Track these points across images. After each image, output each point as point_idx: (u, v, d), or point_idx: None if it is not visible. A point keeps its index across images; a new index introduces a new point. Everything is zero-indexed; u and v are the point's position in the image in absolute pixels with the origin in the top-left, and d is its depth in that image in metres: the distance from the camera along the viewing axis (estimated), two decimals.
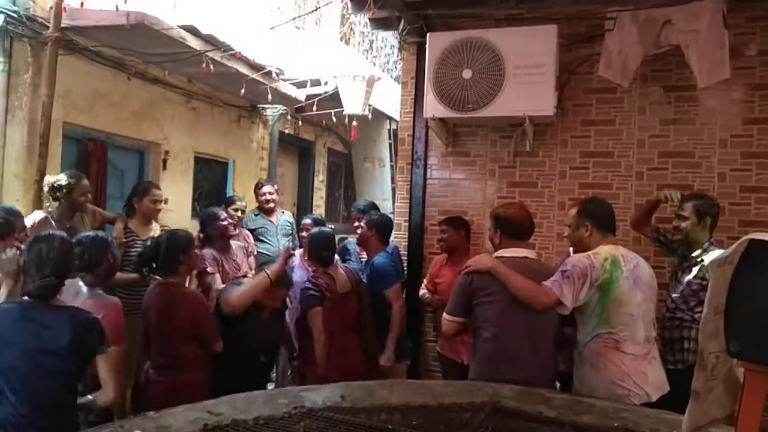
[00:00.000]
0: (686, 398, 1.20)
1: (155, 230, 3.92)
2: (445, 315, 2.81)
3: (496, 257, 2.74)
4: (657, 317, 2.85)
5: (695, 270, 3.11)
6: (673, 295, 3.20)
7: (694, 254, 3.16)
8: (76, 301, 2.49)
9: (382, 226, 3.99)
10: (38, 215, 3.53)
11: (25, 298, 2.26)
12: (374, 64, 9.12)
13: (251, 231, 4.94)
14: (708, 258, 3.04)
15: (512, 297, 2.59)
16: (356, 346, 3.43)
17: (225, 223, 4.06)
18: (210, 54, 4.81)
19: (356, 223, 4.24)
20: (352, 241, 4.41)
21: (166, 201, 5.53)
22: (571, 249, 3.05)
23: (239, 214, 4.79)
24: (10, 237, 2.86)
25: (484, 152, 4.27)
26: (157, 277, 3.08)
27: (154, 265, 3.02)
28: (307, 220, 4.48)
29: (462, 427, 1.86)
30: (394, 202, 4.82)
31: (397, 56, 8.73)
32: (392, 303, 3.71)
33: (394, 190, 7.95)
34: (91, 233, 2.87)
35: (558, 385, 2.94)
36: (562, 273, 2.54)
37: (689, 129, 3.81)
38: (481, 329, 2.69)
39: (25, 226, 3.10)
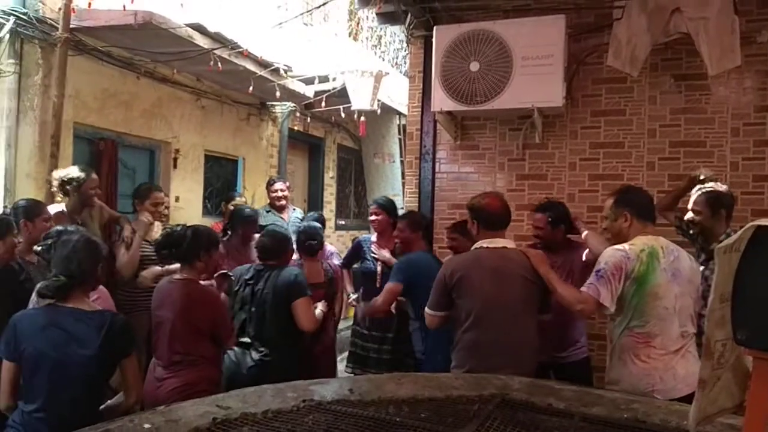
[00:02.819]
0: None
1: (158, 230, 3.93)
2: (426, 309, 2.82)
3: (475, 248, 2.76)
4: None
5: (711, 263, 3.06)
6: None
7: (711, 247, 3.05)
8: None
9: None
10: (55, 208, 3.59)
11: (46, 300, 2.27)
12: (383, 60, 9.10)
13: (262, 227, 4.96)
14: None
15: (493, 290, 2.62)
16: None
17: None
18: (218, 52, 4.83)
19: (373, 217, 4.21)
20: (366, 237, 4.40)
21: (177, 199, 5.60)
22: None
23: None
24: (38, 219, 3.08)
25: (492, 145, 4.25)
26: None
27: (173, 251, 2.99)
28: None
29: (470, 420, 1.85)
30: (404, 198, 4.81)
31: (406, 51, 8.71)
32: None
33: (404, 185, 7.96)
34: (60, 228, 2.84)
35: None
36: (596, 273, 2.47)
37: (700, 118, 3.77)
38: (462, 321, 2.69)
39: (50, 214, 3.26)
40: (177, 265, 3.05)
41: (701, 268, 3.07)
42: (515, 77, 3.70)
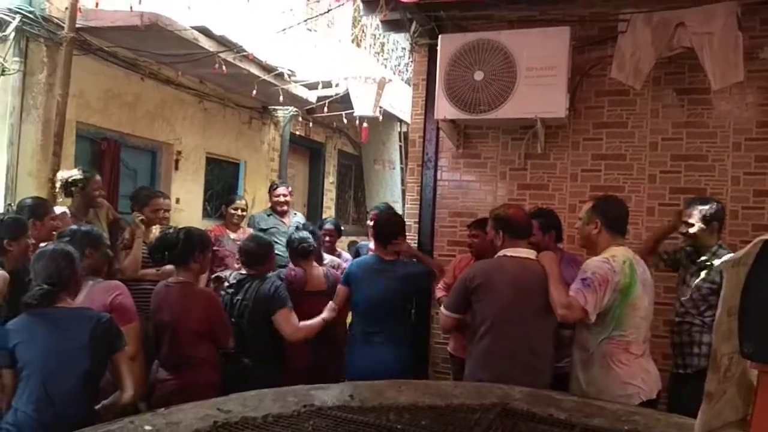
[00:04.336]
0: (696, 403, 1.19)
1: (155, 233, 3.94)
2: (442, 309, 2.89)
3: (500, 256, 2.80)
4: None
5: (704, 274, 3.08)
6: (683, 299, 3.16)
7: (702, 258, 3.12)
8: (82, 293, 2.54)
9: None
10: (57, 210, 3.59)
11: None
12: (385, 67, 9.13)
13: (263, 230, 4.97)
14: (717, 261, 3.01)
15: (512, 297, 2.65)
16: (306, 349, 3.43)
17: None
18: (222, 55, 4.84)
19: (371, 223, 4.21)
20: (364, 244, 4.41)
21: (177, 201, 5.60)
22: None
23: (239, 212, 4.84)
24: (45, 219, 3.12)
25: (494, 154, 4.26)
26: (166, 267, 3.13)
27: (166, 254, 3.03)
28: (328, 226, 4.60)
29: (471, 429, 1.85)
30: (403, 205, 4.82)
31: (408, 58, 8.73)
32: None
33: (404, 192, 7.95)
34: (78, 227, 2.88)
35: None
36: (583, 281, 2.51)
37: (702, 132, 3.78)
38: (478, 327, 2.72)
39: (55, 213, 3.31)
40: (171, 267, 3.07)
41: (695, 279, 3.10)
42: (519, 87, 3.71)
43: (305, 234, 3.83)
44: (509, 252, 2.80)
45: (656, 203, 3.79)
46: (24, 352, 2.21)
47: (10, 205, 3.64)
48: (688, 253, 3.24)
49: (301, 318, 3.29)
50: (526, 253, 2.80)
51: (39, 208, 3.15)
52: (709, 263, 3.07)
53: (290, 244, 3.76)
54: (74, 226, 2.88)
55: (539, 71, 3.69)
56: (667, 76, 3.84)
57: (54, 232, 3.13)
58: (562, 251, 3.44)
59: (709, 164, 3.76)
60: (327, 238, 4.53)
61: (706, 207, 3.13)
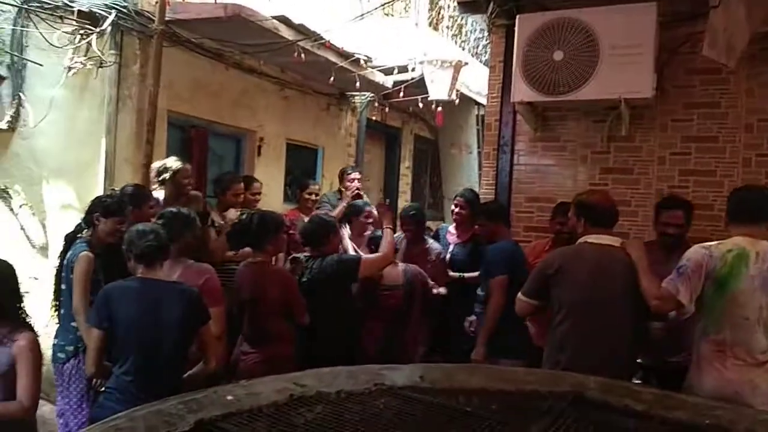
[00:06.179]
0: None
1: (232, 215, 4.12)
2: (520, 294, 2.84)
3: (581, 242, 2.72)
4: None
5: None
6: None
7: None
8: (173, 272, 2.72)
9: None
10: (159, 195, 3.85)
11: (139, 273, 2.50)
12: (463, 49, 9.00)
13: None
14: None
15: (591, 283, 2.57)
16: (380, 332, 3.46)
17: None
18: (301, 43, 4.95)
19: (456, 209, 4.17)
20: (444, 226, 4.45)
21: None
22: None
23: (313, 197, 4.97)
24: (144, 207, 3.37)
25: (575, 137, 4.13)
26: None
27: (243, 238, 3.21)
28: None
29: (542, 415, 1.83)
30: (480, 189, 4.77)
31: (487, 40, 8.56)
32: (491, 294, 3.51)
33: (481, 176, 7.86)
34: (174, 209, 3.04)
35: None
36: (677, 270, 2.41)
37: None
38: (555, 314, 2.68)
39: (156, 199, 3.58)
40: (248, 249, 3.22)
41: None
42: (602, 67, 3.57)
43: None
44: (591, 238, 2.71)
45: None
46: (124, 320, 2.40)
47: (113, 189, 3.90)
48: None
49: (376, 312, 3.40)
50: (609, 240, 2.70)
51: (139, 196, 3.37)
52: None
53: (373, 240, 3.79)
54: (173, 209, 3.05)
55: (624, 50, 3.54)
56: (763, 52, 3.57)
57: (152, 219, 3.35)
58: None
59: None
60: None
61: None
